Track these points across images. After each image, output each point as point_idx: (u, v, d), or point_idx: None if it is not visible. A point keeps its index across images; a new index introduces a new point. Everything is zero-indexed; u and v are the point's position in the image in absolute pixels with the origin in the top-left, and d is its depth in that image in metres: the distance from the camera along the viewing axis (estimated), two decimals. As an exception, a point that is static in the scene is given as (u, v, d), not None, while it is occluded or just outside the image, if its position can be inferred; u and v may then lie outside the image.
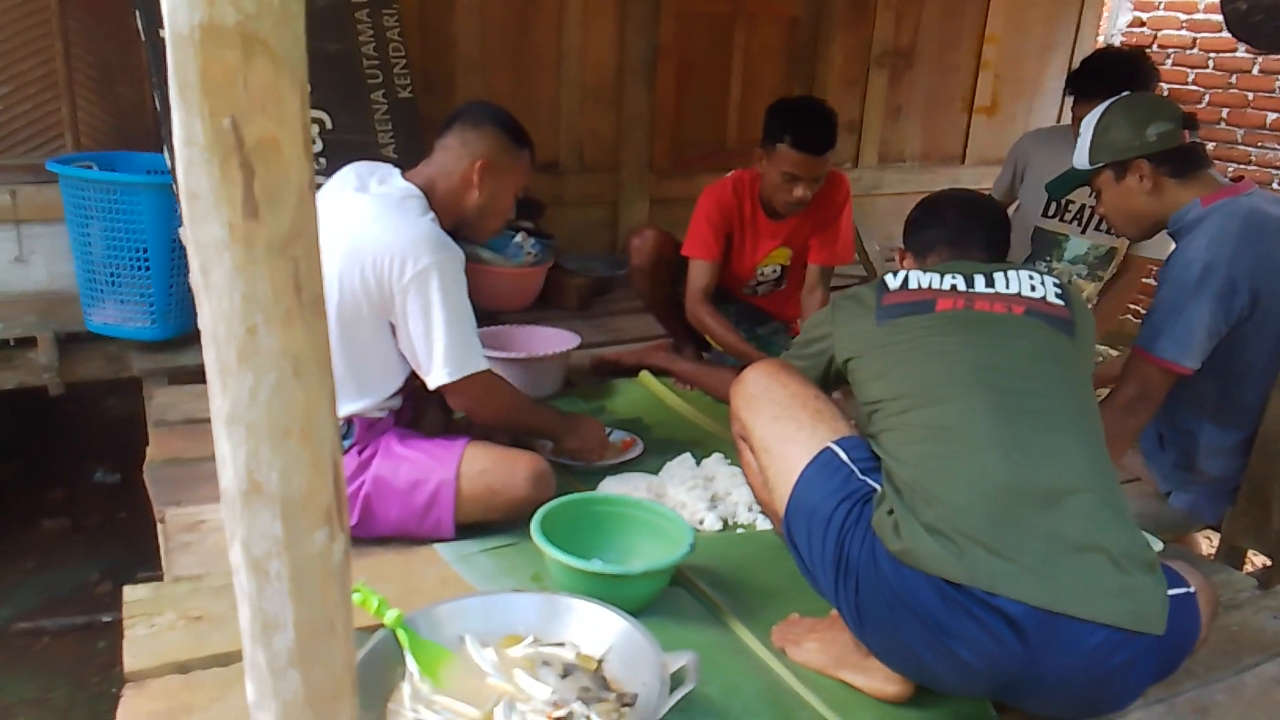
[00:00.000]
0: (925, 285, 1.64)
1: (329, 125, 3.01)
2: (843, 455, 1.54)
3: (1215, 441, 2.14)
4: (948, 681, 1.43)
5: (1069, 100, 2.82)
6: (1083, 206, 2.93)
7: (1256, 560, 2.58)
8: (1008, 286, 1.62)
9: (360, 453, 1.92)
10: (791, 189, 2.60)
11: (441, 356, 1.85)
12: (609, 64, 3.90)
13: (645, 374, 2.98)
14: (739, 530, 2.09)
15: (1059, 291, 1.63)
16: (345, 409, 1.90)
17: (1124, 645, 1.34)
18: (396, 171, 2.00)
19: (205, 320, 0.70)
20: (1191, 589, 1.49)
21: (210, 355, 0.71)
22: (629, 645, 1.50)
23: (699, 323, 2.82)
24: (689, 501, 2.14)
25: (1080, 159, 2.15)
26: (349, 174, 1.99)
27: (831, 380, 1.81)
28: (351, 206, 1.90)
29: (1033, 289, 1.62)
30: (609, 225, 4.14)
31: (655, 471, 2.28)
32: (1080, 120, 2.30)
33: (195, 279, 0.69)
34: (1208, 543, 2.69)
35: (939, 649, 1.37)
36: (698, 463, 2.31)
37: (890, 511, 1.42)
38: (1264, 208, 2.02)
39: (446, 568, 1.87)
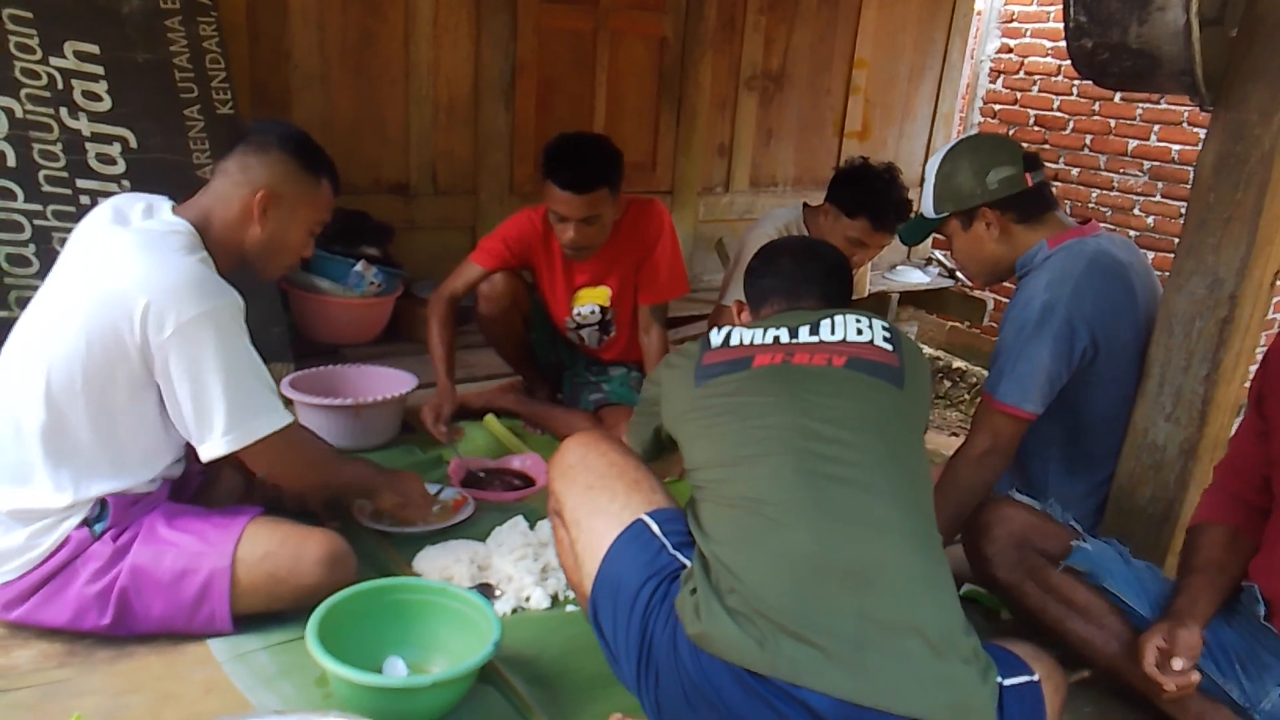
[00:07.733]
0: (747, 341, 1.53)
1: (133, 144, 2.69)
2: (654, 528, 1.41)
3: (1066, 495, 2.04)
4: None
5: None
6: None
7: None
8: (833, 333, 1.50)
9: (116, 538, 1.63)
10: (562, 229, 2.46)
11: (222, 422, 1.58)
12: (464, 80, 3.66)
13: (490, 418, 2.77)
14: (569, 608, 1.88)
15: (888, 335, 1.51)
16: (96, 489, 1.62)
17: None
18: (168, 203, 1.73)
19: None
20: (1035, 677, 1.37)
21: None
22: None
23: (427, 318, 2.65)
24: (516, 575, 1.93)
25: (926, 207, 2.06)
26: (107, 208, 1.71)
27: (665, 443, 1.69)
28: (106, 245, 1.62)
29: (859, 333, 1.50)
30: (468, 250, 3.85)
31: (484, 537, 2.05)
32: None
33: None
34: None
35: None
36: (532, 526, 2.09)
37: (694, 591, 1.28)
38: (1110, 250, 1.93)
39: (217, 670, 1.60)
